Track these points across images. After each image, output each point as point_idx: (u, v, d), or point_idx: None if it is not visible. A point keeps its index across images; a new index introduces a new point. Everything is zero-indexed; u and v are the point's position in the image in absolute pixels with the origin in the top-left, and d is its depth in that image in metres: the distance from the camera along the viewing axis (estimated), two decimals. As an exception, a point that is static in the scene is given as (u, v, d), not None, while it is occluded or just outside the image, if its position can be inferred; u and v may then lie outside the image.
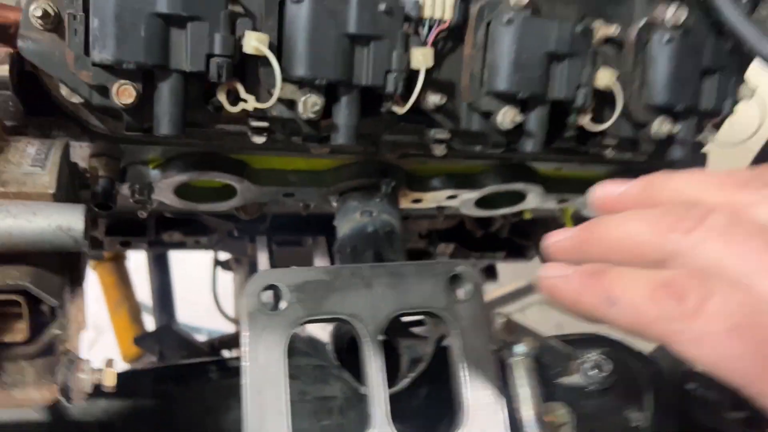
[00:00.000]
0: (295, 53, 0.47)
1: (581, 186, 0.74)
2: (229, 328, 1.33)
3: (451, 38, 0.52)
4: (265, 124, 0.50)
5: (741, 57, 0.59)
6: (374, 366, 0.40)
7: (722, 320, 0.29)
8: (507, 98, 0.53)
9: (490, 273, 1.27)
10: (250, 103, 0.46)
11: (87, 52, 0.43)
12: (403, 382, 0.52)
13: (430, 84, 0.52)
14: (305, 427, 0.61)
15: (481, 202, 0.73)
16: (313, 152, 0.57)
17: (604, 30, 0.55)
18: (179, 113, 0.46)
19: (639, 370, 0.52)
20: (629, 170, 0.71)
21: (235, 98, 0.47)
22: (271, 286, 0.39)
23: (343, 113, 0.50)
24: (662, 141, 0.59)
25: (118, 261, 1.29)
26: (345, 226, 0.63)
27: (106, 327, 1.45)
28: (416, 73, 0.49)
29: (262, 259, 0.86)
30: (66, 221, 0.40)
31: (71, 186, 0.48)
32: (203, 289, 1.28)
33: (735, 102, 0.60)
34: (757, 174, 0.33)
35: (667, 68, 0.56)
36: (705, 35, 0.57)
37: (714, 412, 0.66)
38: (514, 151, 0.58)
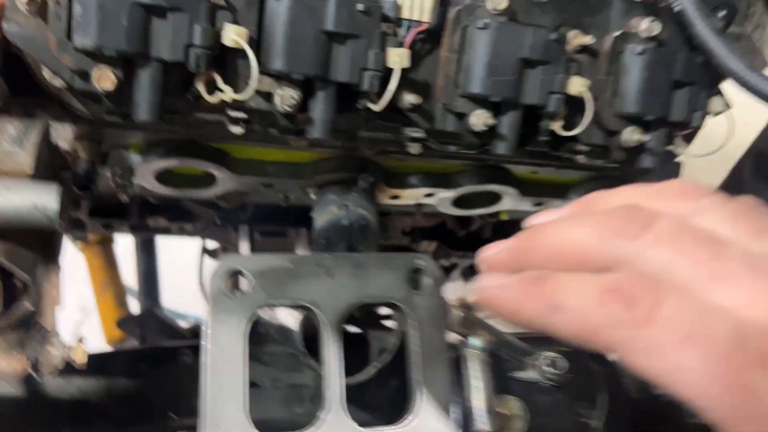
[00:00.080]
0: (273, 47, 0.48)
1: (557, 190, 0.75)
2: (212, 316, 1.34)
3: (428, 40, 0.54)
4: (242, 115, 0.51)
5: (712, 71, 0.60)
6: (331, 351, 0.41)
7: (675, 329, 0.27)
8: (480, 101, 0.54)
9: (472, 273, 1.28)
10: (228, 93, 0.48)
11: (70, 37, 0.45)
12: (367, 371, 0.53)
13: (407, 84, 0.53)
14: (278, 413, 0.63)
15: (458, 202, 0.74)
16: (292, 144, 0.58)
17: (579, 39, 0.56)
18: (158, 100, 0.47)
19: (596, 370, 0.53)
20: (604, 177, 0.73)
21: (213, 88, 0.48)
22: (235, 271, 0.41)
23: (319, 108, 0.51)
24: (633, 149, 0.61)
25: (106, 245, 1.30)
26: (321, 218, 0.64)
27: (92, 309, 1.46)
28: (392, 72, 0.50)
29: (244, 249, 0.87)
30: (41, 200, 0.42)
31: (50, 166, 0.50)
32: (190, 277, 1.30)
33: (704, 115, 0.62)
34: (693, 185, 0.32)
35: (638, 79, 0.57)
36: (678, 49, 0.59)
37: (674, 417, 0.68)
38: (488, 153, 0.59)
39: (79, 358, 0.45)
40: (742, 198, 0.32)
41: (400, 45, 0.52)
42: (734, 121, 0.62)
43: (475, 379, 0.43)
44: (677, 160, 0.70)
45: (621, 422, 0.54)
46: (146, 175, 0.61)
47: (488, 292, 0.33)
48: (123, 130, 0.57)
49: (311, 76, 0.49)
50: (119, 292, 1.34)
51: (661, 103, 0.59)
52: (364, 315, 0.60)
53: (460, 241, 1.09)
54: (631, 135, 0.59)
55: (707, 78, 0.60)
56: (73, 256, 1.46)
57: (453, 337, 0.47)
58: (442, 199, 0.72)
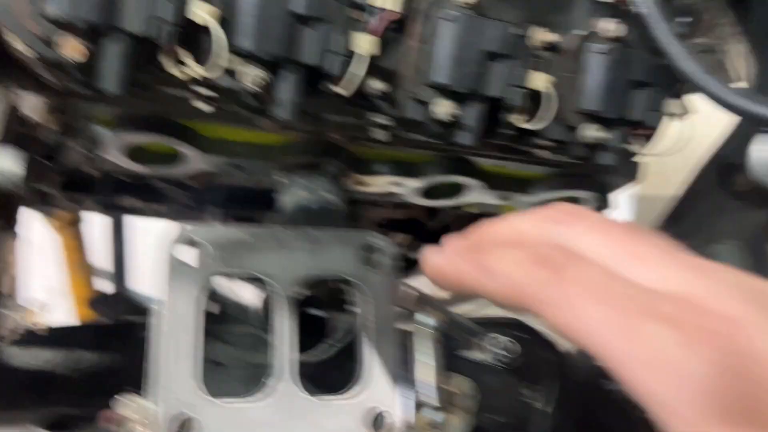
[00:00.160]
0: (241, 26, 0.49)
1: (522, 184, 0.77)
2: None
3: (396, 28, 0.55)
4: (209, 92, 0.52)
5: (671, 75, 0.62)
6: (283, 321, 0.42)
7: (584, 288, 0.30)
8: (445, 91, 0.56)
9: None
10: (194, 69, 0.49)
11: (40, 6, 0.45)
12: (323, 349, 0.55)
13: (374, 70, 0.55)
14: (239, 392, 0.64)
15: (426, 192, 0.76)
16: (260, 126, 0.60)
17: (543, 36, 0.58)
18: (125, 73, 0.48)
19: (546, 357, 0.55)
20: (567, 173, 0.75)
21: (181, 64, 0.49)
22: (192, 240, 0.42)
23: (286, 89, 0.52)
24: (592, 146, 0.63)
25: (78, 225, 1.30)
26: (287, 201, 0.65)
27: (64, 290, 1.46)
28: (361, 58, 0.52)
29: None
30: (5, 165, 0.42)
31: (17, 134, 0.50)
32: (161, 259, 1.30)
33: (662, 116, 0.64)
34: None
35: (599, 77, 0.59)
36: (639, 50, 0.61)
37: (623, 412, 0.70)
38: (453, 144, 0.61)
39: (36, 322, 0.45)
40: None
41: (369, 32, 0.53)
42: (695, 125, 0.65)
43: (424, 356, 0.45)
44: (637, 160, 0.73)
45: (568, 409, 0.56)
46: (115, 149, 0.62)
47: (432, 262, 0.36)
48: (92, 103, 0.57)
49: (278, 56, 0.50)
50: (91, 273, 1.34)
51: (620, 102, 0.61)
52: (329, 299, 0.62)
53: (432, 234, 1.11)
54: (590, 132, 0.61)
55: (666, 81, 0.62)
56: (45, 237, 1.45)
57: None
58: (409, 189, 0.74)
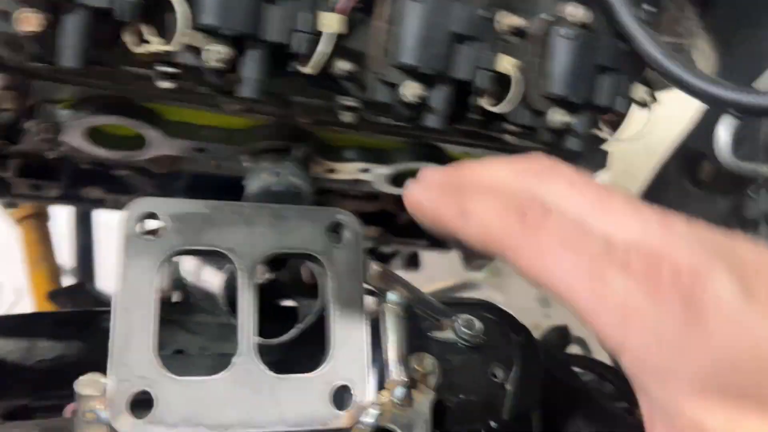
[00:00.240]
0: (204, 2, 0.48)
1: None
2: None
3: (362, 8, 0.55)
4: (171, 69, 0.51)
5: (636, 60, 0.63)
6: (245, 297, 0.41)
7: (556, 237, 0.32)
8: (411, 72, 0.56)
9: (413, 261, 1.30)
10: (155, 45, 0.48)
11: (-6, -24, 0.44)
12: (291, 333, 0.54)
13: (340, 51, 0.54)
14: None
15: (394, 180, 0.75)
16: (225, 108, 0.59)
17: (510, 19, 0.58)
18: (83, 47, 0.47)
19: (512, 337, 0.55)
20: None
21: (142, 40, 0.48)
22: (149, 214, 0.41)
23: (250, 66, 0.51)
24: (559, 131, 0.63)
25: (41, 218, 1.27)
26: (252, 184, 0.64)
27: (26, 291, 1.42)
28: (327, 36, 0.51)
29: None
30: (-47, 136, 0.41)
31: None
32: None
33: (628, 101, 0.64)
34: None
35: (565, 61, 0.60)
36: (604, 35, 0.61)
37: (588, 398, 0.71)
38: (420, 128, 0.61)
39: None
40: None
41: (336, 11, 0.52)
42: (659, 114, 0.65)
43: (391, 333, 0.44)
44: (604, 148, 0.73)
45: (533, 390, 0.56)
46: (75, 132, 0.61)
47: (414, 196, 0.38)
48: (51, 83, 0.56)
49: (242, 33, 0.50)
50: (53, 268, 1.31)
51: (586, 87, 0.61)
52: (294, 283, 0.61)
53: (402, 228, 1.11)
54: (557, 116, 0.61)
55: (631, 65, 0.63)
56: (8, 236, 1.41)
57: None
58: (377, 175, 0.74)
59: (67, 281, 1.42)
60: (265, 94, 0.53)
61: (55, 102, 0.58)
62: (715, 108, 0.54)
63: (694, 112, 0.91)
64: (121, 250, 0.40)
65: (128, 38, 0.48)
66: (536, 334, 0.67)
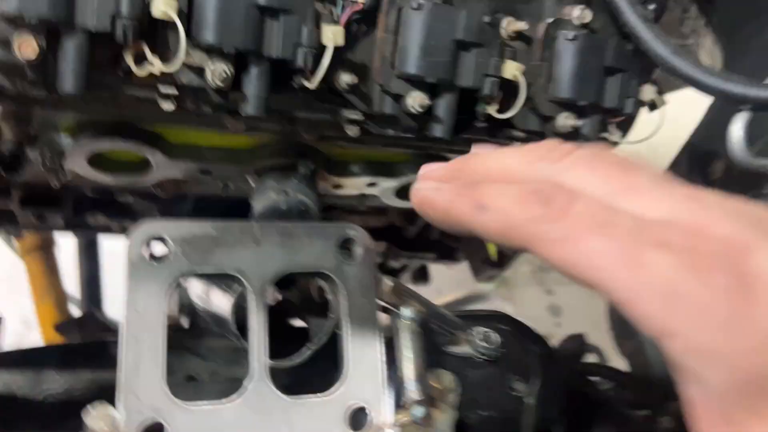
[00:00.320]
0: (203, 20, 0.47)
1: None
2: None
3: (364, 20, 0.54)
4: (173, 90, 0.50)
5: (643, 60, 0.62)
6: (256, 319, 0.40)
7: (585, 221, 0.31)
8: (416, 82, 0.55)
9: (422, 275, 1.29)
10: (156, 66, 0.47)
11: (-9, 4, 0.43)
12: (302, 353, 0.52)
13: (343, 63, 0.53)
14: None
15: (401, 193, 0.74)
16: (228, 126, 0.58)
17: (513, 25, 0.57)
18: (83, 72, 0.46)
19: (530, 348, 0.54)
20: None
21: (142, 62, 0.48)
22: (156, 237, 0.39)
23: (253, 84, 0.51)
24: (567, 135, 0.62)
25: (47, 250, 1.26)
26: (259, 204, 0.63)
27: (35, 321, 1.41)
28: (328, 49, 0.50)
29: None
30: (-47, 167, 0.40)
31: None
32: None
33: (637, 102, 0.63)
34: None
35: (571, 65, 0.59)
36: (610, 36, 0.60)
37: (608, 407, 0.69)
38: (426, 138, 0.60)
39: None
40: None
41: (335, 23, 0.52)
42: (667, 113, 0.64)
43: (406, 349, 0.43)
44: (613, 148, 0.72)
45: (555, 403, 0.54)
46: (78, 158, 0.60)
47: (423, 193, 0.36)
48: (51, 109, 0.55)
49: (243, 50, 0.49)
50: (60, 299, 1.30)
51: (594, 89, 0.60)
52: (304, 302, 0.60)
53: (409, 242, 1.10)
54: (565, 120, 0.60)
55: (638, 66, 0.62)
56: (15, 267, 1.41)
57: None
58: (384, 189, 0.72)
59: (75, 310, 1.41)
60: (269, 112, 0.52)
61: (57, 129, 0.58)
62: (730, 104, 0.53)
63: (698, 112, 0.90)
64: (127, 275, 0.38)
65: (129, 60, 0.47)
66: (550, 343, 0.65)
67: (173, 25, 0.46)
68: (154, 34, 0.48)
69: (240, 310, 0.56)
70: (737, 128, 0.55)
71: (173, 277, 0.39)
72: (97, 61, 0.47)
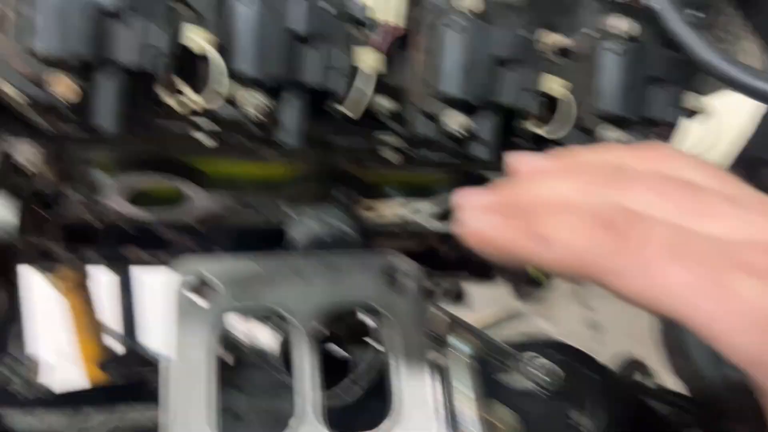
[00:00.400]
0: (239, 50, 0.47)
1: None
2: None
3: (400, 42, 0.53)
4: (211, 123, 0.50)
5: (687, 68, 0.60)
6: (304, 357, 0.39)
7: (661, 250, 0.28)
8: (456, 103, 0.53)
9: (458, 295, 1.26)
10: (193, 100, 0.46)
11: (29, 47, 0.43)
12: (350, 390, 0.51)
13: (381, 88, 0.52)
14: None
15: (441, 216, 0.72)
16: (266, 157, 0.57)
17: (554, 39, 0.56)
18: (120, 108, 0.46)
19: (590, 377, 0.51)
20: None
21: (179, 96, 0.47)
22: (200, 276, 0.38)
23: (290, 113, 0.50)
24: (613, 150, 0.60)
25: (85, 284, 1.26)
26: (298, 234, 0.62)
27: (74, 354, 1.42)
28: (366, 75, 0.49)
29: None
30: (-4, 212, 0.40)
31: (10, 183, 0.47)
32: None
33: (682, 113, 0.61)
34: (669, 146, 0.34)
35: (613, 76, 0.57)
36: (652, 45, 0.58)
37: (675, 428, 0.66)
38: (468, 160, 0.58)
39: (34, 377, 0.42)
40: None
41: (372, 48, 0.51)
42: (719, 123, 0.62)
43: (462, 385, 0.41)
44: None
45: (619, 430, 0.51)
46: (115, 194, 0.59)
47: (475, 227, 0.33)
48: (88, 146, 0.55)
49: (281, 80, 0.48)
50: (99, 333, 1.30)
51: (638, 101, 0.58)
52: (350, 335, 0.58)
53: (443, 262, 1.08)
54: (609, 134, 0.58)
55: (682, 75, 0.60)
56: (53, 300, 1.42)
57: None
58: (423, 213, 0.71)
59: (113, 343, 1.41)
60: (305, 141, 0.51)
61: (94, 165, 0.57)
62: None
63: (743, 119, 0.87)
64: (172, 316, 0.37)
65: (166, 95, 0.46)
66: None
67: (210, 58, 0.46)
68: (191, 68, 0.47)
69: (286, 344, 0.54)
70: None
71: (219, 316, 0.38)
72: (134, 97, 0.47)
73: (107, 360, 1.23)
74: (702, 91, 0.64)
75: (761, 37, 0.78)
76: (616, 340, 2.27)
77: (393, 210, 0.70)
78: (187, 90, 0.46)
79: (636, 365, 0.73)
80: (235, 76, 0.47)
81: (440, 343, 0.43)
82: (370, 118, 0.54)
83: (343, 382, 0.46)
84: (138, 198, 0.62)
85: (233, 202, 0.64)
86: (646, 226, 0.29)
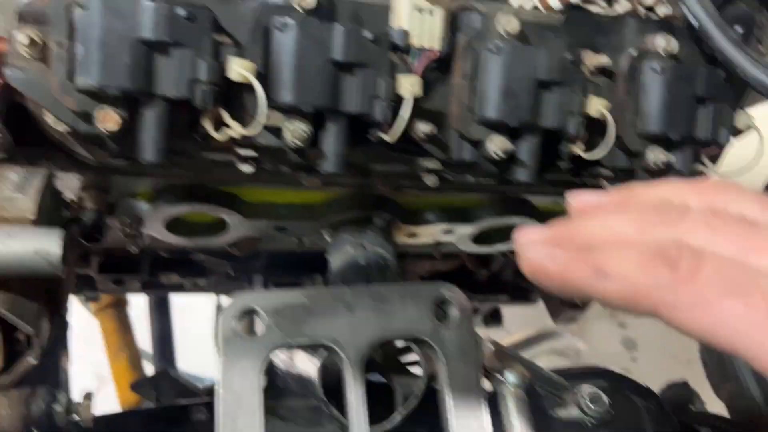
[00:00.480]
0: (280, 80, 0.47)
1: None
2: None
3: (439, 67, 0.52)
4: (252, 152, 0.50)
5: (735, 86, 0.58)
6: (355, 394, 0.38)
7: (717, 284, 0.29)
8: (497, 126, 0.52)
9: (495, 317, 1.24)
10: (236, 129, 0.46)
11: (72, 79, 0.44)
12: (392, 419, 0.50)
13: (420, 113, 0.52)
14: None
15: (478, 238, 0.71)
16: (305, 184, 0.57)
17: (595, 59, 0.55)
18: (163, 140, 0.46)
19: (641, 405, 0.49)
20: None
21: (221, 126, 0.47)
22: (248, 310, 0.38)
23: (331, 141, 0.49)
24: (658, 171, 0.58)
25: (119, 307, 1.27)
26: (337, 259, 0.62)
27: (108, 376, 1.43)
28: (404, 101, 0.49)
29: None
30: (42, 245, 0.40)
31: (54, 213, 0.48)
32: (206, 338, 1.27)
33: (731, 132, 0.59)
34: (723, 181, 0.34)
35: (659, 97, 0.55)
36: (698, 64, 0.57)
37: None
38: (507, 183, 0.57)
39: (85, 415, 0.41)
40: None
41: (411, 73, 0.50)
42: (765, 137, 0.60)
43: (513, 419, 0.40)
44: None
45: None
46: (156, 223, 0.60)
47: (535, 260, 0.34)
48: (130, 177, 0.55)
49: (321, 108, 0.48)
50: (134, 356, 1.31)
51: (685, 121, 0.57)
52: (387, 361, 0.57)
53: (480, 284, 1.06)
54: (656, 156, 0.57)
55: (730, 93, 0.58)
56: (88, 322, 1.43)
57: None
58: (461, 236, 0.70)
59: (148, 366, 1.42)
60: (345, 167, 0.50)
61: (135, 195, 0.58)
62: None
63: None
64: (221, 351, 0.37)
65: (208, 125, 0.46)
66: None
67: (250, 87, 0.46)
68: (231, 97, 0.47)
69: (326, 373, 0.54)
70: None
71: (267, 350, 0.37)
72: (175, 127, 0.47)
73: (139, 380, 1.24)
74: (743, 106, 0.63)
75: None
76: (650, 357, 2.21)
77: (432, 234, 0.69)
78: (229, 120, 0.46)
79: (679, 388, 0.71)
80: (276, 104, 0.47)
81: (489, 373, 0.42)
82: (409, 143, 0.53)
83: (393, 416, 0.45)
84: (177, 226, 0.62)
85: (271, 228, 0.63)
86: (700, 261, 0.30)
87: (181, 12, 0.44)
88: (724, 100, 0.58)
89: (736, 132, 0.62)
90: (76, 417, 0.45)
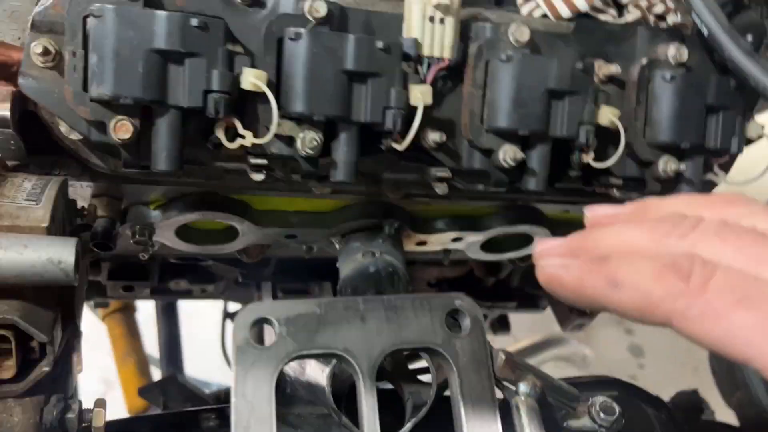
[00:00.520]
0: (293, 90, 0.47)
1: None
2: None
3: (450, 76, 0.52)
4: (263, 161, 0.50)
5: (747, 95, 0.58)
6: (368, 404, 0.38)
7: (727, 295, 0.29)
8: (508, 135, 0.52)
9: (502, 324, 1.24)
10: (248, 138, 0.46)
11: (86, 88, 0.44)
12: (405, 429, 0.50)
13: (430, 122, 0.52)
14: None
15: (487, 246, 0.71)
16: (315, 191, 0.57)
17: (605, 68, 0.55)
18: (177, 149, 0.46)
19: (652, 414, 0.49)
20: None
21: (233, 135, 0.47)
22: (261, 319, 0.38)
23: (342, 150, 0.49)
24: (669, 180, 0.58)
25: (127, 312, 1.28)
26: (347, 267, 0.62)
27: (116, 381, 1.43)
28: (416, 110, 0.49)
29: (268, 307, 0.84)
30: (57, 254, 0.40)
31: (67, 222, 0.48)
32: (213, 345, 1.27)
33: (743, 140, 0.59)
34: (736, 195, 0.35)
35: (670, 106, 0.55)
36: (708, 73, 0.57)
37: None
38: (517, 191, 0.57)
39: (98, 423, 0.42)
40: None
41: (422, 82, 0.50)
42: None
43: (525, 429, 0.40)
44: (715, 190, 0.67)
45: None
46: (166, 231, 0.60)
47: (551, 271, 0.35)
48: (142, 185, 0.55)
49: (333, 117, 0.48)
50: (141, 361, 1.31)
51: (696, 130, 0.57)
52: (396, 368, 0.57)
53: (487, 291, 1.06)
54: (666, 165, 0.57)
55: (741, 102, 0.58)
56: (95, 327, 1.44)
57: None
58: (470, 244, 0.70)
59: (156, 371, 1.42)
60: (357, 175, 0.51)
61: (146, 203, 0.58)
62: None
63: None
64: (234, 361, 0.37)
65: (220, 134, 0.47)
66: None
67: (262, 96, 0.46)
68: (244, 106, 0.47)
69: (336, 381, 0.54)
70: None
71: (281, 359, 0.37)
72: (187, 136, 0.47)
73: (147, 385, 1.24)
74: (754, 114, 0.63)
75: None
76: (657, 364, 2.20)
77: (441, 242, 0.69)
78: (241, 129, 0.46)
79: (689, 396, 0.70)
80: (288, 114, 0.47)
81: (501, 383, 0.42)
82: (419, 151, 0.53)
83: (406, 426, 0.45)
84: (188, 233, 0.62)
85: (281, 235, 0.63)
86: (711, 273, 0.30)
87: (194, 22, 0.44)
88: (734, 108, 0.58)
89: (747, 141, 0.61)
90: (87, 424, 0.45)
